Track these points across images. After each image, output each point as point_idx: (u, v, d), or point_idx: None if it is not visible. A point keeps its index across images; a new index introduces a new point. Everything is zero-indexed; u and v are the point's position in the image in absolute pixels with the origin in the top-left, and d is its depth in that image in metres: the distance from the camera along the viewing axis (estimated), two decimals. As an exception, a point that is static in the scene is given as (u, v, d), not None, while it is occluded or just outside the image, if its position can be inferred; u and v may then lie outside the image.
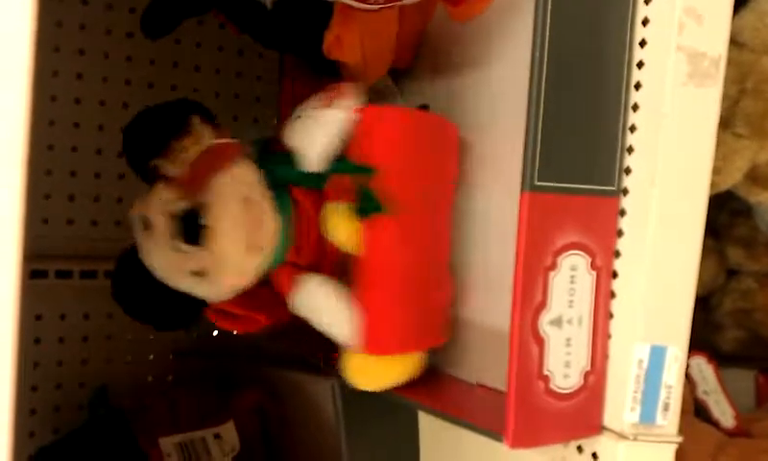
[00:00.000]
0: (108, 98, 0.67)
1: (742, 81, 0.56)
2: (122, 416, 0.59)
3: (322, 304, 0.41)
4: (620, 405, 0.37)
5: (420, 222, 0.42)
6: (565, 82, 0.36)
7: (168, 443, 0.57)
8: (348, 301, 0.41)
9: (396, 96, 0.52)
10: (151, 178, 0.42)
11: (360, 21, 0.44)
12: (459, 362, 0.45)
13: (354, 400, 0.53)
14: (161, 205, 0.40)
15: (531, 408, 0.36)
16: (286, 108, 0.58)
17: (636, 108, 0.38)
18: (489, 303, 0.43)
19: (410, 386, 0.43)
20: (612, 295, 0.38)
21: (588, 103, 0.37)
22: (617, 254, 0.38)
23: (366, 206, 0.40)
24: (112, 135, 0.67)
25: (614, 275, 0.38)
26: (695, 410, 0.62)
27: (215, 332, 0.68)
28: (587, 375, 0.38)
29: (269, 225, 0.41)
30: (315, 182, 0.42)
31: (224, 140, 0.42)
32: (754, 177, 0.60)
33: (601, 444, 0.38)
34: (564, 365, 0.37)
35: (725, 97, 0.41)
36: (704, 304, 0.73)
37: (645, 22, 0.37)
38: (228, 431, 0.59)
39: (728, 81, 0.44)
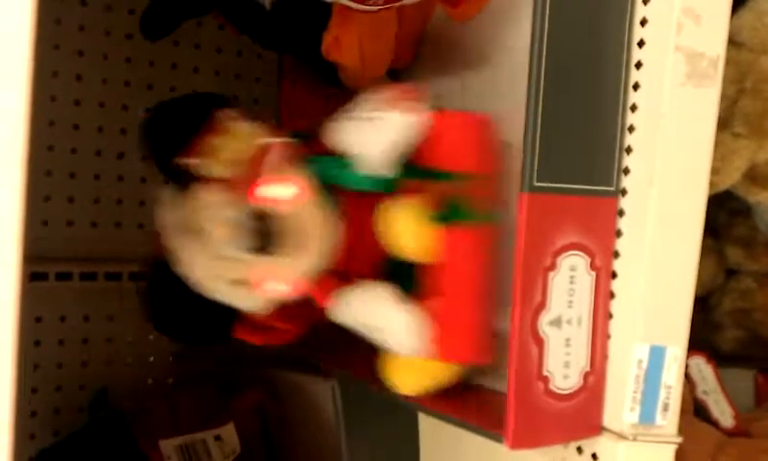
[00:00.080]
0: (108, 99, 0.67)
1: (741, 80, 0.56)
2: (122, 418, 0.59)
3: (377, 311, 0.40)
4: (620, 406, 0.37)
5: (487, 229, 0.40)
6: (564, 82, 0.36)
7: (168, 445, 0.57)
8: (412, 307, 0.39)
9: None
10: (176, 177, 0.40)
11: (359, 22, 0.44)
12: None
13: (354, 400, 0.53)
14: (214, 210, 0.38)
15: (531, 409, 0.36)
16: (285, 109, 0.58)
17: (634, 108, 0.38)
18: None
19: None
20: (612, 295, 0.38)
21: (587, 103, 0.37)
22: (616, 254, 0.38)
23: (453, 213, 0.38)
24: (112, 137, 0.67)
25: (614, 275, 0.38)
26: (694, 410, 0.62)
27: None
28: (586, 375, 0.38)
29: (329, 231, 0.39)
30: (376, 186, 0.39)
31: (276, 140, 0.40)
32: (752, 176, 0.60)
33: (601, 444, 0.38)
34: (563, 365, 0.37)
35: (723, 97, 0.41)
36: (703, 304, 0.73)
37: (644, 22, 0.37)
38: (229, 433, 0.59)
39: (726, 81, 0.44)
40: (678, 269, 0.37)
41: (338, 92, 0.51)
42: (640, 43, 0.38)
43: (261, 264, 0.38)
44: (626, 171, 0.38)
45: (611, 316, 0.38)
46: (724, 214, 0.71)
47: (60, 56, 0.65)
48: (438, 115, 0.39)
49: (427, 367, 0.41)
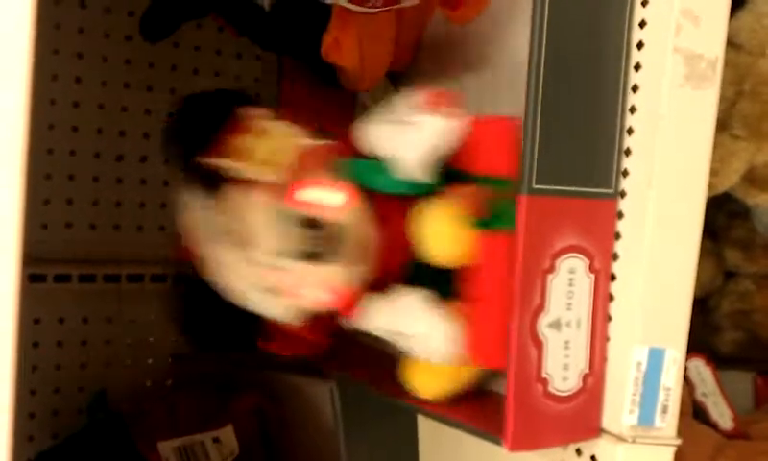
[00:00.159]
0: (107, 101, 0.67)
1: (739, 82, 0.56)
2: (121, 420, 0.58)
3: (410, 318, 0.39)
4: (619, 408, 0.37)
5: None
6: (563, 85, 0.36)
7: (167, 447, 0.57)
8: (446, 313, 0.39)
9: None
10: (202, 178, 0.38)
11: (358, 24, 0.44)
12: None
13: (353, 402, 0.53)
14: (254, 214, 0.36)
15: (530, 411, 0.36)
16: (285, 110, 0.58)
17: (633, 110, 0.38)
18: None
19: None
20: (611, 297, 0.38)
21: (586, 105, 0.37)
22: (615, 256, 0.38)
23: (496, 219, 0.38)
24: (111, 139, 0.67)
25: (613, 277, 0.38)
26: (693, 412, 0.63)
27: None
28: (585, 377, 0.38)
29: (371, 238, 0.39)
30: (414, 191, 0.39)
31: (317, 142, 0.39)
32: (751, 178, 0.60)
33: (600, 446, 0.38)
34: (562, 368, 0.37)
35: (722, 99, 0.41)
36: (702, 306, 0.73)
37: (642, 24, 0.37)
38: (227, 435, 0.59)
39: (725, 83, 0.44)
40: (677, 271, 0.37)
41: (337, 93, 0.51)
42: (639, 45, 0.38)
43: (304, 272, 0.37)
44: (625, 173, 0.38)
45: (610, 318, 0.38)
46: (723, 216, 0.71)
47: (60, 59, 0.65)
48: (476, 120, 0.39)
49: (449, 371, 0.41)
